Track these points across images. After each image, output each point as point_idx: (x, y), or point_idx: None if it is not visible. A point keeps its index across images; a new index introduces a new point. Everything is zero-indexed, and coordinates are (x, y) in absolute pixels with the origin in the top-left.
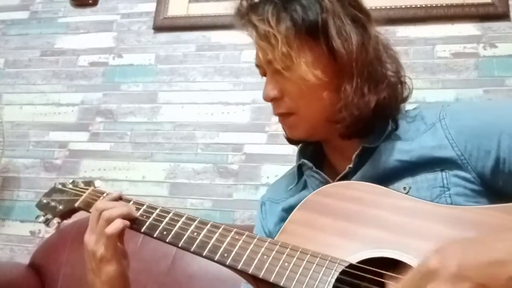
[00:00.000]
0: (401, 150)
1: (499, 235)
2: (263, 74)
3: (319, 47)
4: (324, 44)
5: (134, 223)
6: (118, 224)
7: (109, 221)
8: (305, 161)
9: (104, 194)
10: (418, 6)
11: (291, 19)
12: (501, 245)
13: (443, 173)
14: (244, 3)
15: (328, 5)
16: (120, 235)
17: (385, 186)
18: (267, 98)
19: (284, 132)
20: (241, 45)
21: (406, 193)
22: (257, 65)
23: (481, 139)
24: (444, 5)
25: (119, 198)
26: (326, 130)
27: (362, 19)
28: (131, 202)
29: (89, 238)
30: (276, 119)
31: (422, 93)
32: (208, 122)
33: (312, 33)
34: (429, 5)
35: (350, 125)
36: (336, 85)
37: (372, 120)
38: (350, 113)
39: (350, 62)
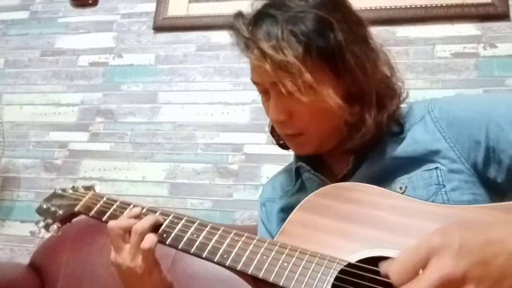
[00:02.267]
0: (396, 148)
1: (495, 220)
2: (263, 91)
3: (335, 72)
4: (341, 70)
5: None
6: (152, 237)
7: (142, 235)
8: (303, 164)
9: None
10: (418, 6)
11: (304, 45)
12: (498, 228)
13: (438, 171)
14: (244, 25)
15: (338, 27)
16: None
17: (382, 186)
18: (276, 122)
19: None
20: None
21: (403, 193)
22: (255, 82)
23: (471, 130)
24: (444, 5)
25: (139, 215)
26: (333, 145)
27: (365, 35)
28: (157, 213)
29: (121, 258)
30: None
31: (422, 93)
32: (208, 122)
33: (328, 59)
34: (429, 5)
35: (360, 144)
36: (351, 107)
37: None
38: (364, 136)
39: (366, 87)
